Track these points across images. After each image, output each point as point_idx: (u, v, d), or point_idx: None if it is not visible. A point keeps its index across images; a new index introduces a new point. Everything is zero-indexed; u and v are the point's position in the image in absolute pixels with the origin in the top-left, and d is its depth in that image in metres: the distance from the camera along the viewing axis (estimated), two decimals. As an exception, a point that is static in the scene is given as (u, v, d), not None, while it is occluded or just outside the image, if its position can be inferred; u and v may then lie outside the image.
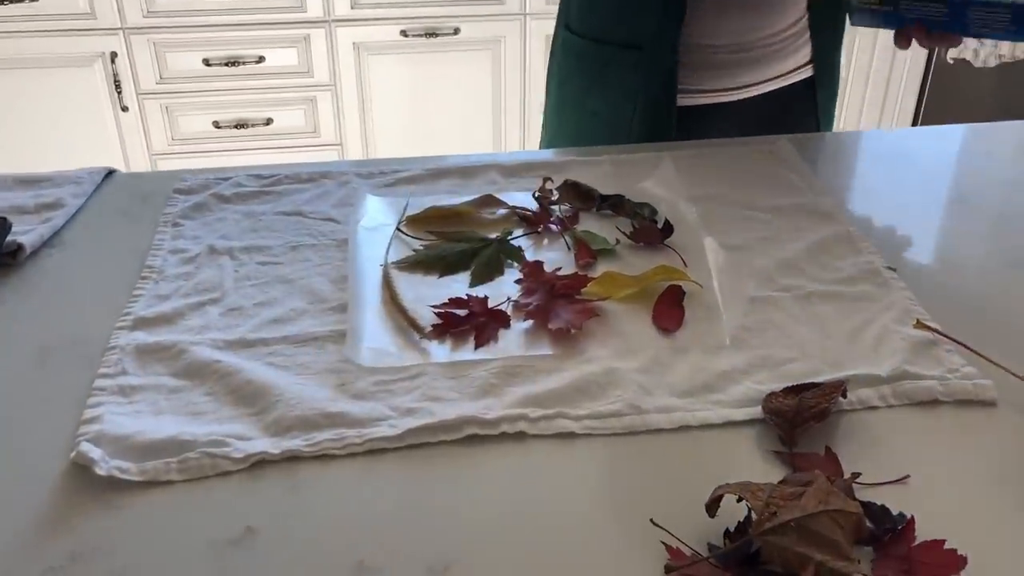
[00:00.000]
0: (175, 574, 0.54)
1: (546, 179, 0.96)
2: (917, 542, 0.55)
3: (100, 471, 0.60)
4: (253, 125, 2.26)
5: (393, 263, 0.85)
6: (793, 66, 1.16)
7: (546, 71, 1.25)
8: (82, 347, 0.74)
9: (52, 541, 0.56)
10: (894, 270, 0.84)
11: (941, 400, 0.68)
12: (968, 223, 0.94)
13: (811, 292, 0.81)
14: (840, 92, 2.41)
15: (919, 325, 0.75)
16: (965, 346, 0.73)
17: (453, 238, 0.88)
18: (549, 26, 2.20)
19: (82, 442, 0.62)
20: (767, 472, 0.62)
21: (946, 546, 0.54)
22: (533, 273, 0.82)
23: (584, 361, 0.72)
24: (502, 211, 0.93)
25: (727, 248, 0.86)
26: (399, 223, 0.91)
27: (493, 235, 0.89)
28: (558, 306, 0.77)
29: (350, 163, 1.06)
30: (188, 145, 2.26)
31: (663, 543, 0.56)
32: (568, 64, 1.18)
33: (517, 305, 0.78)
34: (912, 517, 0.56)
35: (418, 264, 0.85)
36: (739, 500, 0.56)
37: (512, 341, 0.74)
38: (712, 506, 0.57)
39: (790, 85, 1.17)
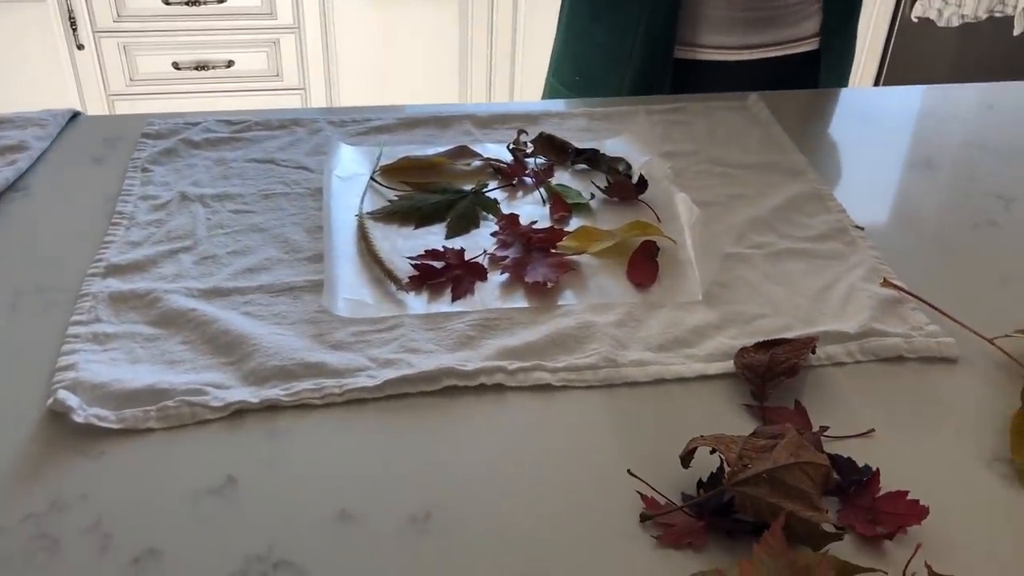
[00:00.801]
0: (156, 522, 0.54)
1: (520, 131, 0.96)
2: (881, 493, 0.58)
3: (78, 419, 0.60)
4: (214, 67, 2.21)
5: (368, 213, 0.84)
6: (799, 35, 1.15)
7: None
8: (52, 293, 0.73)
9: (32, 488, 0.56)
10: (862, 229, 0.86)
11: (906, 356, 0.71)
12: (933, 184, 0.96)
13: (781, 249, 0.82)
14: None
15: (886, 283, 0.77)
16: (929, 304, 0.75)
17: (428, 189, 0.88)
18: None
19: (59, 390, 0.62)
20: (739, 425, 0.64)
21: (909, 497, 0.57)
22: (509, 226, 0.82)
23: (560, 315, 0.72)
24: (477, 162, 0.93)
25: (699, 204, 0.87)
26: (373, 173, 0.90)
27: (468, 187, 0.89)
28: (534, 260, 0.77)
29: (320, 110, 1.05)
30: (147, 86, 2.20)
31: (638, 492, 0.57)
32: None
33: (493, 258, 0.79)
34: (877, 469, 0.58)
35: (393, 215, 0.85)
36: (712, 452, 0.58)
37: (489, 293, 0.75)
38: (686, 457, 0.58)
39: (793, 55, 1.16)
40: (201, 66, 2.20)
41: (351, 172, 0.91)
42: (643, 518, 0.56)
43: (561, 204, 0.86)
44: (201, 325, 0.69)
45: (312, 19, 2.19)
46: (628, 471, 0.58)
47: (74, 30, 2.08)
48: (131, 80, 2.19)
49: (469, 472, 0.59)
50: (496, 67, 2.36)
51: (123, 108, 2.22)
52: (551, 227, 0.82)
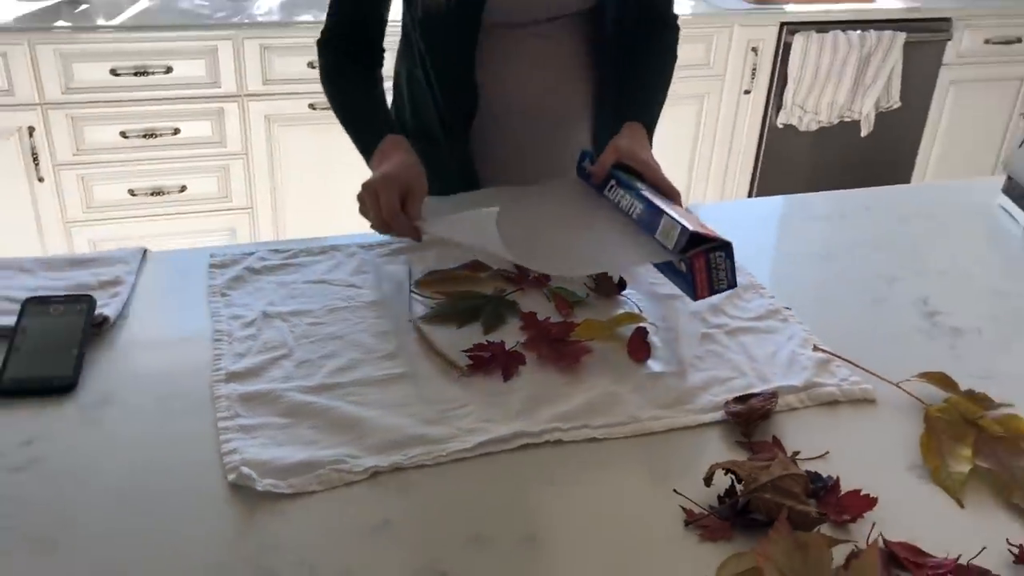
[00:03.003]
0: (342, 549, 0.74)
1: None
2: (842, 492, 0.83)
3: (259, 487, 0.79)
4: (168, 192, 2.39)
5: (419, 318, 1.06)
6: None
7: None
8: (189, 398, 0.92)
9: (241, 537, 0.75)
10: (789, 309, 1.13)
11: (839, 400, 0.97)
12: (833, 271, 1.25)
13: (735, 328, 1.09)
14: (689, 165, 2.76)
15: (816, 349, 1.05)
16: (849, 361, 1.02)
17: (459, 296, 1.11)
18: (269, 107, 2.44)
19: (240, 467, 0.81)
20: (735, 456, 0.88)
21: (861, 493, 0.82)
22: (531, 323, 1.06)
23: (588, 388, 0.96)
24: (488, 273, 1.17)
25: (669, 297, 1.12)
26: (411, 286, 1.13)
27: (488, 292, 1.12)
28: (559, 347, 1.01)
29: (350, 236, 1.27)
30: (102, 212, 2.35)
31: (681, 507, 0.81)
32: None
33: (526, 347, 1.02)
34: (837, 477, 0.84)
35: (437, 318, 1.07)
36: (726, 473, 0.82)
37: (530, 375, 0.98)
38: (708, 479, 0.82)
39: None
40: (156, 192, 2.37)
41: (393, 286, 1.13)
42: (687, 523, 0.80)
43: (563, 302, 1.11)
44: (321, 413, 0.90)
45: (259, 146, 2.40)
46: (674, 490, 0.82)
47: (36, 164, 2.23)
48: (87, 207, 2.34)
49: (552, 501, 0.81)
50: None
51: (80, 234, 2.36)
52: (563, 321, 1.06)
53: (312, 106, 2.40)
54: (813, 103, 2.80)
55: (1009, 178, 1.46)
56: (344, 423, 0.89)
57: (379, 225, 1.09)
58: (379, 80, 1.26)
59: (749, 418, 0.91)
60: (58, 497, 0.79)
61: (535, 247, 1.03)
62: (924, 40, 2.85)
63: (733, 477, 0.83)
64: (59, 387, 0.91)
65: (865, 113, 2.86)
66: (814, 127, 2.86)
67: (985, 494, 0.85)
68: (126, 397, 0.92)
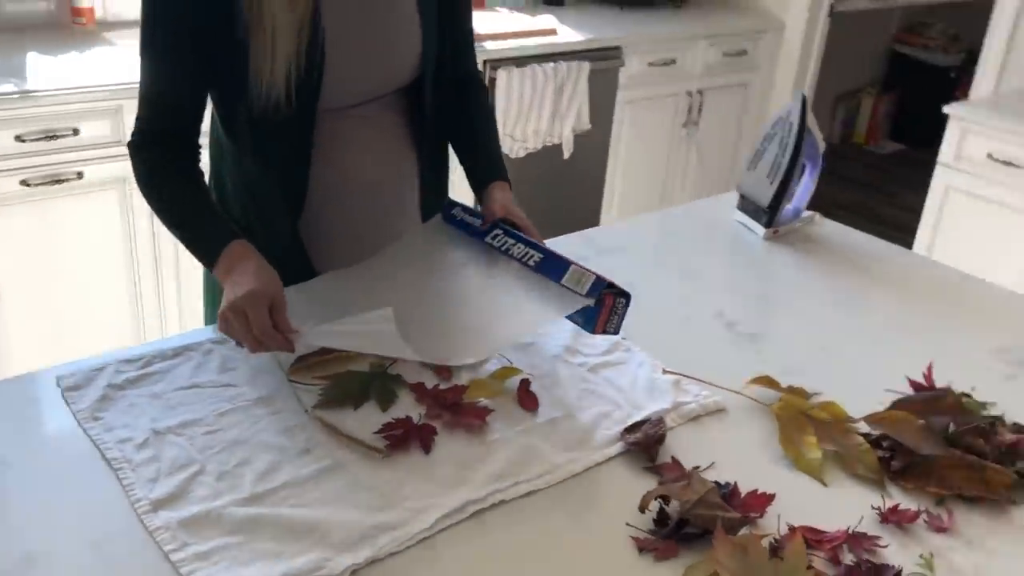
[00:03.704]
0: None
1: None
2: (743, 494, 0.99)
3: (254, 613, 0.79)
4: None
5: (314, 407, 1.08)
6: None
7: None
8: (121, 540, 0.87)
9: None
10: (626, 340, 1.29)
11: (700, 414, 1.14)
12: (637, 301, 1.43)
13: (593, 364, 1.22)
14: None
15: (666, 372, 1.21)
16: (694, 378, 1.20)
17: (341, 378, 1.13)
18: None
19: (226, 599, 0.80)
20: (645, 480, 1.01)
21: (759, 492, 0.98)
22: (423, 393, 1.11)
23: (502, 444, 1.04)
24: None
25: (528, 345, 1.23)
26: (288, 377, 1.13)
27: (364, 368, 1.15)
28: (460, 411, 1.08)
29: (199, 331, 1.23)
30: None
31: (632, 537, 0.92)
32: None
33: (430, 418, 1.07)
34: (735, 482, 1.00)
35: (330, 403, 1.09)
36: (657, 498, 0.95)
37: (445, 443, 1.04)
38: (643, 506, 0.95)
39: None
40: None
41: (270, 379, 1.12)
42: (641, 550, 0.91)
43: (442, 367, 1.17)
44: (271, 523, 0.90)
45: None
46: (627, 523, 0.93)
47: None
48: None
49: (523, 552, 0.89)
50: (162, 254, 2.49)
51: None
52: (452, 385, 1.13)
53: (25, 183, 2.19)
54: (520, 131, 3.04)
55: (742, 196, 1.74)
56: (300, 528, 0.89)
57: (252, 344, 1.06)
58: (203, 178, 1.23)
59: (648, 445, 1.05)
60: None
61: (435, 338, 1.09)
62: (603, 68, 3.20)
63: (661, 502, 0.95)
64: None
65: (565, 136, 3.16)
66: (523, 153, 3.10)
67: (838, 471, 1.06)
68: (53, 554, 0.85)
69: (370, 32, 1.21)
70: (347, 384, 1.12)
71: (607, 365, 1.22)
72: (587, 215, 3.49)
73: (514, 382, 1.15)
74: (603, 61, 3.20)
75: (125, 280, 2.43)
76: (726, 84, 3.77)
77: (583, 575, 0.88)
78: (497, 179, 1.33)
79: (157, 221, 2.35)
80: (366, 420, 1.06)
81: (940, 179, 2.89)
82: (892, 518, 0.98)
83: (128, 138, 1.19)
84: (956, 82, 5.38)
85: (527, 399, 1.13)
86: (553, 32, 3.11)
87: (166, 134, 1.19)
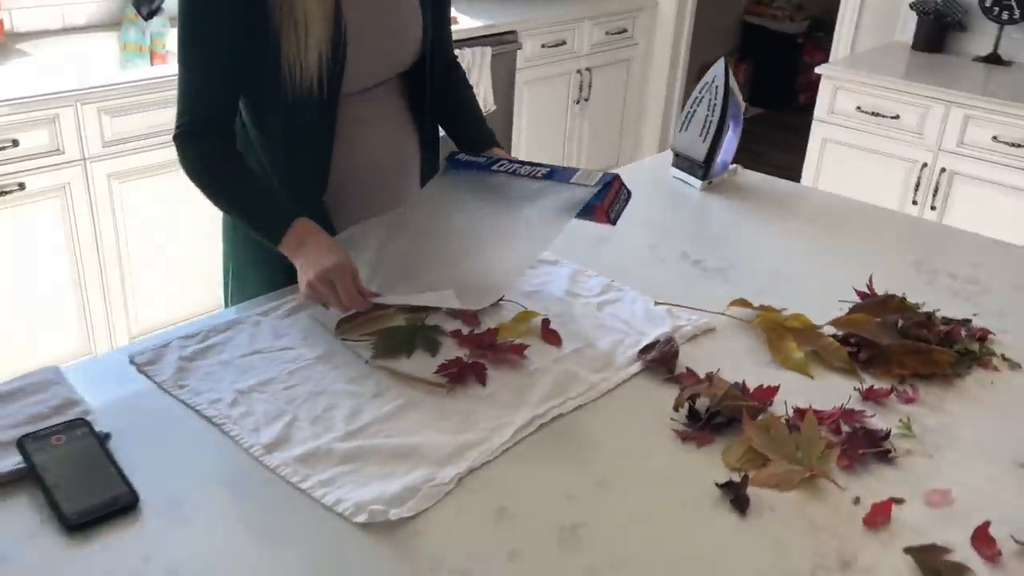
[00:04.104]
0: (488, 536, 0.92)
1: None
2: (752, 389, 1.18)
3: (392, 517, 0.93)
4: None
5: (372, 358, 1.21)
6: None
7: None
8: (248, 477, 0.99)
9: (403, 565, 0.89)
10: (615, 282, 1.47)
11: (696, 334, 1.33)
12: (612, 250, 1.61)
13: (596, 303, 1.39)
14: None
15: (658, 303, 1.40)
16: (683, 306, 1.39)
17: (386, 333, 1.26)
18: (111, 166, 2.39)
19: (368, 509, 0.93)
20: (669, 389, 1.19)
21: (764, 386, 1.18)
22: (464, 339, 1.26)
23: (545, 372, 1.20)
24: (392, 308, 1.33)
25: (535, 292, 1.39)
26: (338, 336, 1.25)
27: (402, 323, 1.29)
28: (502, 350, 1.23)
29: (246, 306, 1.33)
30: None
31: (674, 430, 1.10)
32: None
33: (475, 357, 1.22)
34: (744, 380, 1.19)
35: (385, 355, 1.22)
36: (688, 398, 1.13)
37: (496, 376, 1.19)
38: (678, 405, 1.13)
39: None
40: None
41: (319, 339, 1.25)
42: (683, 440, 1.09)
43: (468, 315, 1.32)
44: (374, 452, 1.03)
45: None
46: (671, 418, 1.11)
47: None
48: None
49: (588, 456, 1.06)
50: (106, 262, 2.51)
51: None
52: (486, 330, 1.28)
53: None
54: (433, 116, 3.18)
55: (676, 155, 1.95)
56: (400, 453, 1.03)
57: (340, 308, 1.23)
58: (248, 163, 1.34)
59: (666, 360, 1.23)
60: (227, 588, 0.85)
61: (475, 280, 1.24)
62: (503, 52, 3.37)
63: (691, 401, 1.14)
64: (124, 506, 0.92)
65: (474, 118, 3.31)
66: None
67: (818, 367, 1.27)
68: (190, 494, 0.96)
69: (384, 19, 1.35)
70: (394, 337, 1.25)
71: (607, 303, 1.40)
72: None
73: (536, 323, 1.31)
74: (502, 45, 3.37)
75: (72, 288, 2.44)
76: (612, 61, 4.01)
77: (641, 465, 1.05)
78: (494, 144, 1.49)
79: (101, 226, 2.41)
80: (421, 364, 1.20)
81: (817, 132, 3.21)
82: (871, 396, 1.20)
83: (175, 131, 1.30)
84: (802, 48, 5.84)
85: (550, 335, 1.29)
86: (455, 21, 3.26)
87: (211, 125, 1.29)
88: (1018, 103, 2.76)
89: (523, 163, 1.41)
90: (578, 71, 3.83)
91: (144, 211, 2.53)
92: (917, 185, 3.00)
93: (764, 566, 0.92)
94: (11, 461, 0.96)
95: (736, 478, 1.02)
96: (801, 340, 1.31)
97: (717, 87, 1.85)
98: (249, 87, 1.32)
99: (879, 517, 0.98)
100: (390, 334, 1.26)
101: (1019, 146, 2.78)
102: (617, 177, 1.33)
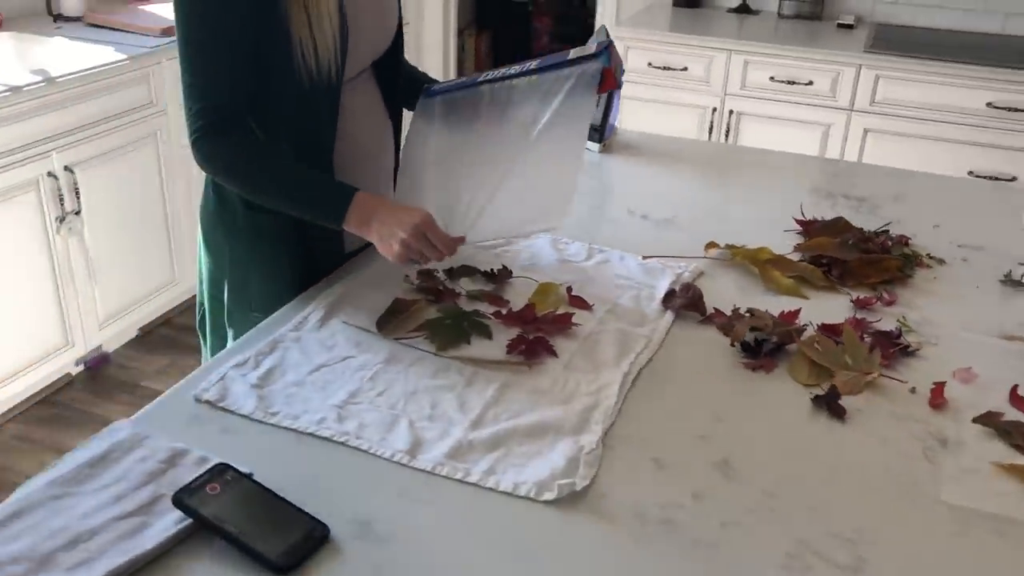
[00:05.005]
0: (640, 483, 0.99)
1: (406, 276, 1.37)
2: (777, 315, 1.32)
3: (579, 488, 0.97)
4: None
5: (439, 351, 1.21)
6: None
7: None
8: (409, 487, 0.98)
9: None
10: (594, 244, 1.55)
11: (693, 277, 1.45)
12: (581, 210, 1.69)
13: (592, 264, 1.47)
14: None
15: (646, 257, 1.50)
16: (670, 256, 1.50)
17: (433, 325, 1.26)
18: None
19: (555, 485, 0.96)
20: (706, 330, 1.31)
21: (785, 312, 1.33)
22: (509, 318, 1.29)
23: (598, 334, 1.27)
24: (417, 303, 1.33)
25: (547, 267, 1.45)
26: (390, 338, 1.24)
27: (437, 315, 1.29)
28: (552, 321, 1.28)
29: (271, 324, 1.26)
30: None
31: (742, 362, 1.22)
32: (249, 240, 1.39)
33: (531, 332, 1.26)
34: (768, 310, 1.33)
35: (448, 344, 1.23)
36: (751, 329, 1.25)
37: (558, 346, 1.24)
38: (735, 340, 1.25)
39: None
40: None
41: (375, 345, 1.23)
42: (753, 369, 1.21)
43: (493, 297, 1.35)
44: (507, 437, 1.06)
45: None
46: (730, 344, 1.22)
47: None
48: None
49: (675, 396, 1.15)
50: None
51: None
52: (525, 307, 1.31)
53: None
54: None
55: (568, 122, 2.05)
56: (535, 432, 1.06)
57: (438, 256, 1.28)
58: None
59: (695, 304, 1.34)
60: None
61: (544, 200, 1.36)
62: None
63: (755, 335, 1.26)
64: (320, 537, 0.89)
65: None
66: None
67: (805, 288, 1.44)
68: (372, 513, 0.94)
69: (372, 3, 1.34)
70: (446, 328, 1.26)
71: (601, 263, 1.48)
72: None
73: (561, 292, 1.37)
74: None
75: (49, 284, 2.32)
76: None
77: (736, 398, 1.16)
78: None
79: (70, 222, 2.21)
80: (486, 348, 1.23)
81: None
82: (862, 305, 1.38)
83: (194, 134, 1.22)
84: (532, 14, 6.13)
85: (579, 302, 1.35)
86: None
87: (233, 119, 1.23)
88: (788, 46, 3.14)
89: (504, 70, 1.41)
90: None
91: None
92: (711, 129, 3.32)
93: (885, 456, 1.06)
94: (171, 520, 0.89)
95: (817, 392, 1.16)
96: (782, 268, 1.47)
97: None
98: (260, 78, 1.25)
99: (938, 399, 1.16)
100: (439, 326, 1.27)
101: (793, 83, 3.16)
102: (611, 40, 1.40)
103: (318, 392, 1.13)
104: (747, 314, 1.31)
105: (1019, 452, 1.08)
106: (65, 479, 0.95)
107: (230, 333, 1.45)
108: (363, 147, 1.42)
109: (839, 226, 1.58)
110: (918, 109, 3.06)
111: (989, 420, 1.13)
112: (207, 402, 1.10)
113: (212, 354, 1.48)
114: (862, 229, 1.59)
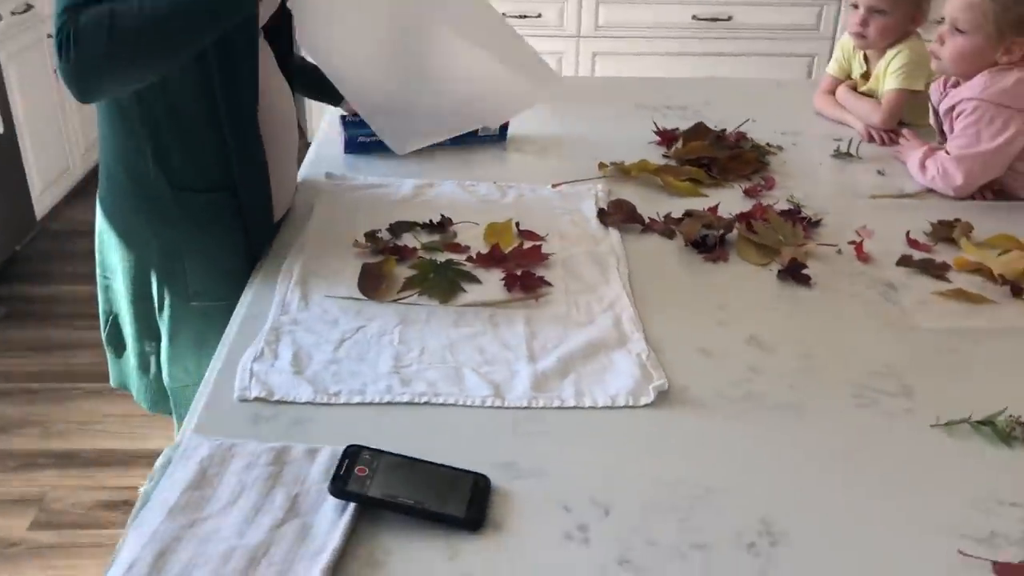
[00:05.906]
0: (712, 387, 1.10)
1: (355, 241, 1.34)
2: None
3: (666, 387, 1.05)
4: None
5: (444, 302, 1.21)
6: None
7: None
8: (534, 427, 1.00)
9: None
10: (496, 182, 1.59)
11: (605, 198, 1.55)
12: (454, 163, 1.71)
13: (512, 199, 1.52)
14: None
15: (554, 185, 1.57)
16: (570, 181, 1.59)
17: (421, 282, 1.25)
18: None
19: (651, 388, 1.03)
20: (650, 236, 1.42)
21: (706, 208, 1.48)
22: (481, 258, 1.31)
23: (572, 259, 1.33)
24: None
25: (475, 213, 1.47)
26: (390, 300, 1.22)
27: (416, 272, 1.29)
28: (525, 254, 1.32)
29: (248, 313, 1.18)
30: None
31: (703, 256, 1.35)
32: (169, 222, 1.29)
33: (511, 267, 1.30)
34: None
35: (447, 294, 1.23)
36: (705, 225, 1.38)
37: (545, 274, 1.29)
38: (689, 239, 1.38)
39: None
40: None
41: (381, 316, 1.20)
42: (713, 261, 1.35)
43: (453, 246, 1.36)
44: (569, 360, 1.10)
45: None
46: (686, 244, 1.35)
47: None
48: None
49: (665, 311, 1.27)
50: None
51: None
52: (492, 247, 1.34)
53: None
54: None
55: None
56: (588, 352, 1.11)
57: None
58: None
59: (632, 216, 1.45)
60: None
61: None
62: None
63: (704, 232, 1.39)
64: (485, 487, 0.89)
65: None
66: None
67: (706, 187, 1.60)
68: (514, 458, 0.95)
69: None
70: (434, 281, 1.26)
71: (519, 198, 1.54)
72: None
73: (512, 229, 1.41)
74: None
75: None
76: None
77: (709, 287, 1.29)
78: None
79: None
80: (485, 291, 1.25)
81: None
82: (750, 192, 1.58)
83: (58, 29, 1.04)
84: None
85: (530, 235, 1.41)
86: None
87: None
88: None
89: None
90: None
91: None
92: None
93: (863, 305, 1.25)
94: (330, 512, 0.85)
95: (778, 268, 1.32)
96: (674, 174, 1.62)
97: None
98: None
99: (862, 254, 1.38)
100: (427, 281, 1.26)
101: (524, 16, 3.33)
102: None
103: (360, 364, 1.09)
104: (685, 216, 1.44)
105: (942, 280, 1.32)
106: (181, 507, 0.86)
107: (164, 329, 1.32)
108: (281, 107, 1.35)
109: (701, 130, 1.76)
110: (637, 28, 3.37)
111: (908, 262, 1.36)
112: (256, 400, 1.03)
113: (164, 360, 1.34)
114: (722, 130, 1.79)
